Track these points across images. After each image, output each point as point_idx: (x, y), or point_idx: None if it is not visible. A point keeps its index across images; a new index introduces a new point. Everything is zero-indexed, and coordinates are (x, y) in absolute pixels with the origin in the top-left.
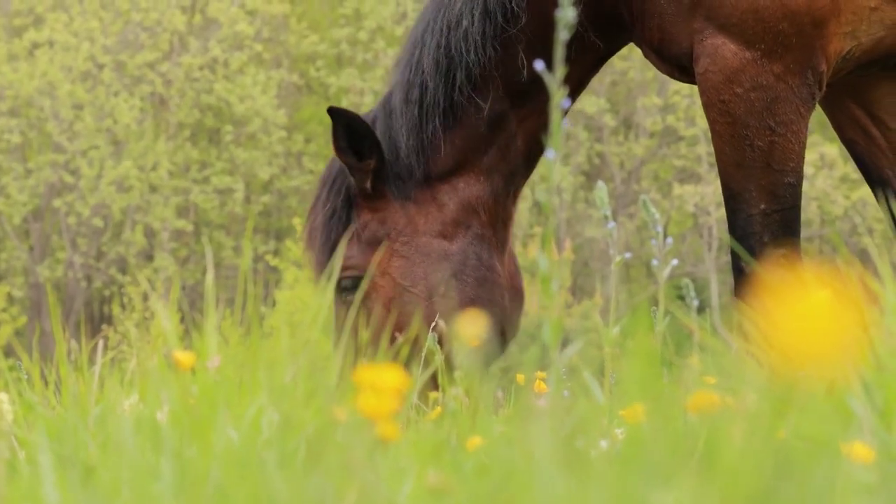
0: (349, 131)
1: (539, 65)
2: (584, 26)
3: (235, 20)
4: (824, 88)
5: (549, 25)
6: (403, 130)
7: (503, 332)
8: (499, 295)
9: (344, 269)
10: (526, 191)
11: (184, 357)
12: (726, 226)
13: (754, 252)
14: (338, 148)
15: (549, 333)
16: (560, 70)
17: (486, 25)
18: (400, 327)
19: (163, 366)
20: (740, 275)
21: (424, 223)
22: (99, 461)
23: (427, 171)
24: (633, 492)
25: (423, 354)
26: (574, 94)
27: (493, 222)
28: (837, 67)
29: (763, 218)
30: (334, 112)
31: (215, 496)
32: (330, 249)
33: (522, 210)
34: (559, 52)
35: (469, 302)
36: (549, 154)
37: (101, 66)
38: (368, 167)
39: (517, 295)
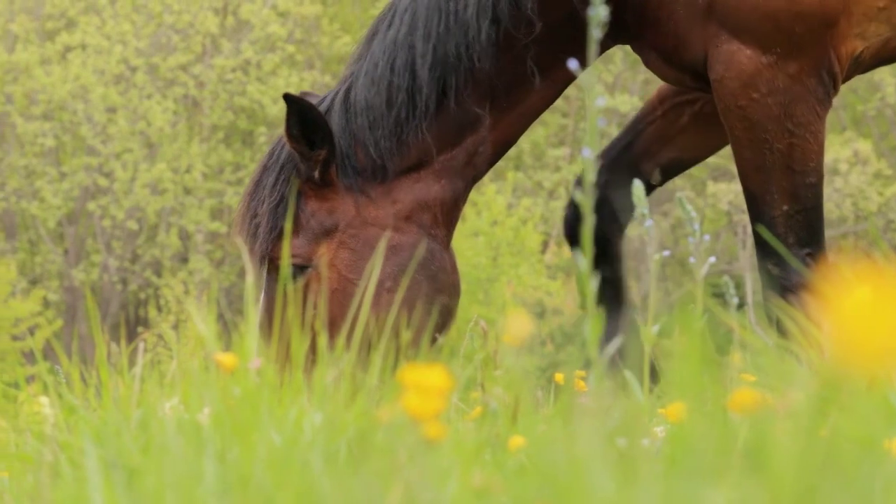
0: (303, 119)
1: (573, 63)
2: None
3: (267, 22)
4: (839, 88)
5: (560, 27)
6: (379, 133)
7: (442, 328)
8: (446, 293)
9: (290, 258)
10: (560, 190)
11: (226, 359)
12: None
13: (779, 253)
14: (290, 135)
15: (590, 332)
16: (593, 69)
17: (492, 32)
18: (341, 320)
19: (204, 368)
20: (770, 275)
21: (375, 216)
22: (142, 464)
23: (393, 169)
24: (681, 491)
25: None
26: (558, 94)
27: (445, 222)
28: (849, 69)
29: (786, 219)
30: (289, 99)
31: (260, 498)
32: (275, 238)
33: (556, 209)
34: (593, 51)
35: (416, 297)
36: (586, 153)
37: (133, 69)
38: (319, 157)
39: (455, 293)
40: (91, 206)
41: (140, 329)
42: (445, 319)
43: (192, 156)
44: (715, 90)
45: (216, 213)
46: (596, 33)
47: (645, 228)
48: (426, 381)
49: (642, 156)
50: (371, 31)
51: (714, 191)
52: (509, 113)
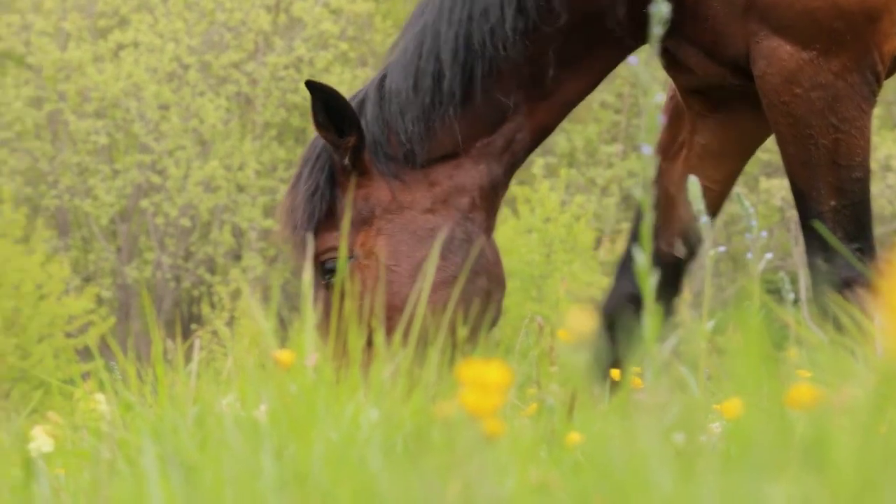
0: (328, 107)
1: (633, 60)
2: (620, 25)
3: (320, 19)
4: (882, 85)
5: (586, 22)
6: (408, 117)
7: (485, 314)
8: (483, 278)
9: (326, 251)
10: (613, 187)
11: (283, 356)
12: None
13: (827, 249)
14: (317, 123)
15: (649, 328)
16: (655, 65)
17: (519, 22)
18: (386, 309)
19: (260, 365)
20: (819, 271)
21: (411, 200)
22: (200, 461)
23: (425, 155)
24: (741, 487)
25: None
26: (594, 84)
27: (484, 207)
28: (891, 67)
29: (834, 214)
30: (312, 86)
31: (318, 494)
32: (312, 228)
33: (609, 206)
34: (655, 47)
35: (453, 281)
36: (646, 149)
37: (186, 67)
38: (348, 144)
39: (500, 283)
40: (144, 203)
41: (193, 326)
42: (488, 305)
43: (245, 153)
44: (758, 85)
45: (269, 211)
46: (658, 30)
47: (702, 225)
48: (485, 377)
49: (655, 238)
50: (408, 19)
51: (767, 186)
52: (544, 101)
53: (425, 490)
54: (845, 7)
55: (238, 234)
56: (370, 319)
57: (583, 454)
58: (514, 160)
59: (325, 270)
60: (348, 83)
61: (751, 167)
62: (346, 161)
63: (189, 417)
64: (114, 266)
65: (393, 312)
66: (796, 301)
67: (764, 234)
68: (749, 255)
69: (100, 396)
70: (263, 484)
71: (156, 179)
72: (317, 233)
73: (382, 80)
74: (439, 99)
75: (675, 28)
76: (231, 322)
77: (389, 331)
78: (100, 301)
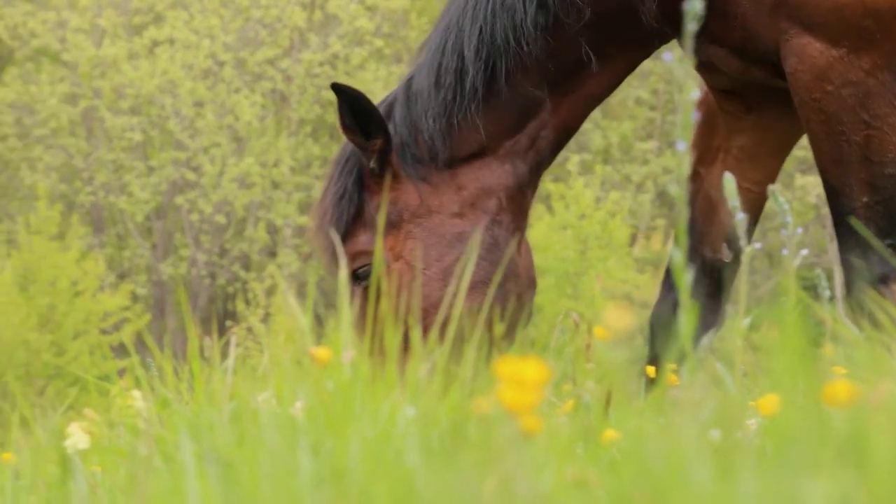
0: (354, 110)
1: (668, 56)
2: (649, 21)
3: (355, 16)
4: None
5: (610, 18)
6: (430, 114)
7: (515, 318)
8: (512, 281)
9: (357, 255)
10: (648, 183)
11: (320, 352)
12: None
13: (861, 245)
14: (343, 126)
15: (685, 325)
16: (691, 61)
17: (540, 17)
18: (417, 312)
19: (296, 361)
20: (853, 268)
21: (439, 204)
22: (237, 457)
23: (448, 154)
24: (779, 484)
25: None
26: (619, 80)
27: (512, 209)
28: None
29: (866, 211)
30: (338, 89)
31: (355, 491)
32: (339, 232)
33: (644, 202)
34: (689, 44)
35: (483, 285)
36: (680, 146)
37: (221, 64)
38: (374, 146)
39: (530, 284)
40: (179, 200)
41: (228, 323)
42: (519, 307)
43: (280, 150)
44: (790, 83)
45: (304, 207)
46: (692, 27)
47: (737, 221)
48: (522, 374)
49: (700, 244)
50: (438, 18)
51: (802, 183)
52: (568, 98)
53: (462, 487)
54: (873, 5)
55: (273, 230)
56: (402, 321)
57: (619, 451)
58: (539, 159)
59: (356, 276)
60: (384, 80)
61: (786, 164)
62: (373, 164)
63: (225, 414)
64: (149, 263)
65: (423, 315)
66: (832, 298)
67: (799, 230)
68: (785, 252)
69: (136, 393)
70: (300, 480)
71: (191, 176)
72: (346, 237)
73: (410, 80)
74: (461, 96)
75: (703, 26)
76: (266, 319)
77: (425, 329)
78: (135, 298)
